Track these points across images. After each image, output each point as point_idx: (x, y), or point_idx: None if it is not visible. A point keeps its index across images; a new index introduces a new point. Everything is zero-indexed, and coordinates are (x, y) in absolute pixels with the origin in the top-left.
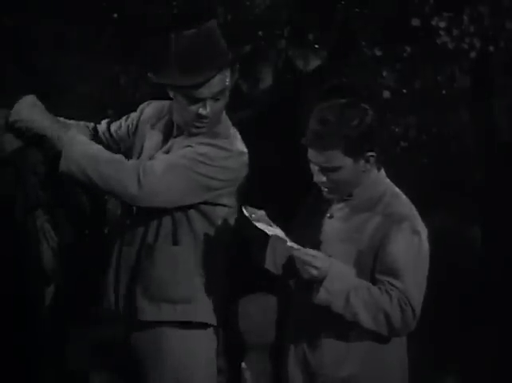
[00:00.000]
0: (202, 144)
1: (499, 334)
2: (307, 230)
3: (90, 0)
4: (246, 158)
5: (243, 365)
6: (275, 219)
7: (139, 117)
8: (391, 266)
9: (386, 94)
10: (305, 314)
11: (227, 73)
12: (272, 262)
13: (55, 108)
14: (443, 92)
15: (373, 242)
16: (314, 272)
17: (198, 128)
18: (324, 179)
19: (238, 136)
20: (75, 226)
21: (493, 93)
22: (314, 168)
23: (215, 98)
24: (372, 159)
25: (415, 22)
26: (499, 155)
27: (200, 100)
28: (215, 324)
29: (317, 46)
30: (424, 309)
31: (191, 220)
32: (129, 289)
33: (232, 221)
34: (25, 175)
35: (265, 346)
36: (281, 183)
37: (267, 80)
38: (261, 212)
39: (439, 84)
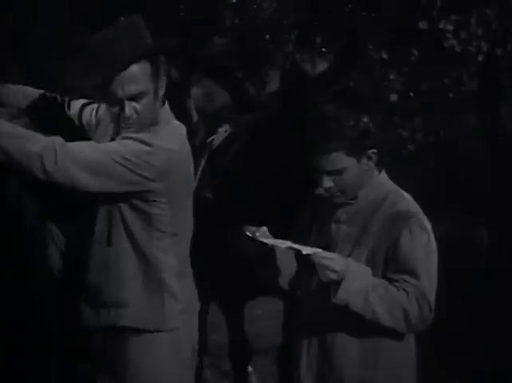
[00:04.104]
0: (125, 137)
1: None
2: (313, 236)
3: (92, 1)
4: (172, 155)
5: (250, 368)
6: (281, 221)
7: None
8: (404, 265)
9: (393, 97)
10: (316, 318)
11: (146, 69)
12: (280, 278)
13: None
14: (451, 95)
15: (383, 242)
16: (333, 275)
17: (125, 127)
18: (331, 183)
19: (174, 133)
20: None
21: (500, 96)
22: (319, 175)
23: (134, 98)
24: (374, 157)
25: (423, 25)
26: (506, 158)
27: (118, 101)
28: (149, 328)
29: (324, 50)
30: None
31: (126, 220)
32: (75, 294)
33: (170, 219)
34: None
35: (272, 350)
36: (287, 186)
37: (274, 83)
38: (263, 229)
39: (446, 88)
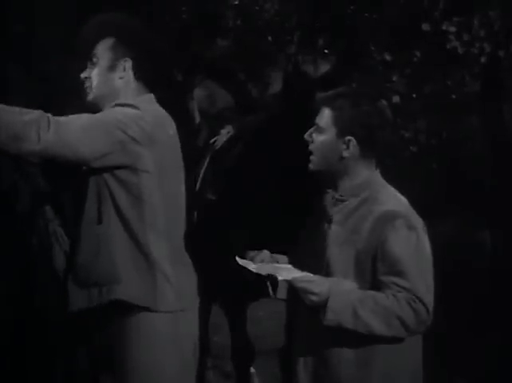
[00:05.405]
0: (113, 105)
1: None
2: (314, 238)
3: (92, 1)
4: (157, 122)
5: (252, 369)
6: (283, 221)
7: None
8: (393, 267)
9: (395, 99)
10: (312, 321)
11: (107, 40)
12: (283, 293)
13: (61, 112)
14: (453, 96)
15: (370, 243)
16: (314, 298)
17: (85, 92)
18: (310, 137)
19: (158, 111)
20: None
21: (503, 98)
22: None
23: (91, 62)
24: (351, 146)
25: (425, 27)
26: (509, 159)
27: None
28: (143, 304)
29: (326, 51)
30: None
31: (114, 195)
32: (65, 277)
33: (158, 193)
34: (24, 165)
35: (274, 351)
36: (289, 187)
37: (276, 84)
38: (265, 253)
39: (448, 89)
